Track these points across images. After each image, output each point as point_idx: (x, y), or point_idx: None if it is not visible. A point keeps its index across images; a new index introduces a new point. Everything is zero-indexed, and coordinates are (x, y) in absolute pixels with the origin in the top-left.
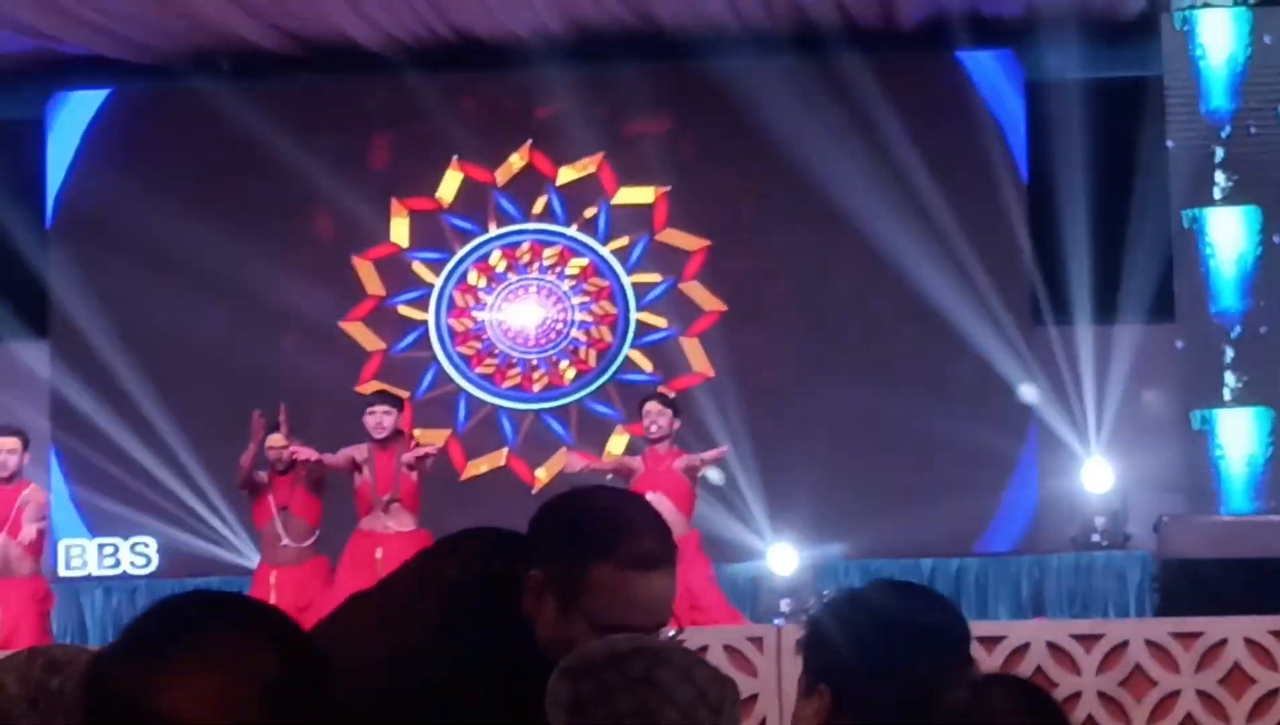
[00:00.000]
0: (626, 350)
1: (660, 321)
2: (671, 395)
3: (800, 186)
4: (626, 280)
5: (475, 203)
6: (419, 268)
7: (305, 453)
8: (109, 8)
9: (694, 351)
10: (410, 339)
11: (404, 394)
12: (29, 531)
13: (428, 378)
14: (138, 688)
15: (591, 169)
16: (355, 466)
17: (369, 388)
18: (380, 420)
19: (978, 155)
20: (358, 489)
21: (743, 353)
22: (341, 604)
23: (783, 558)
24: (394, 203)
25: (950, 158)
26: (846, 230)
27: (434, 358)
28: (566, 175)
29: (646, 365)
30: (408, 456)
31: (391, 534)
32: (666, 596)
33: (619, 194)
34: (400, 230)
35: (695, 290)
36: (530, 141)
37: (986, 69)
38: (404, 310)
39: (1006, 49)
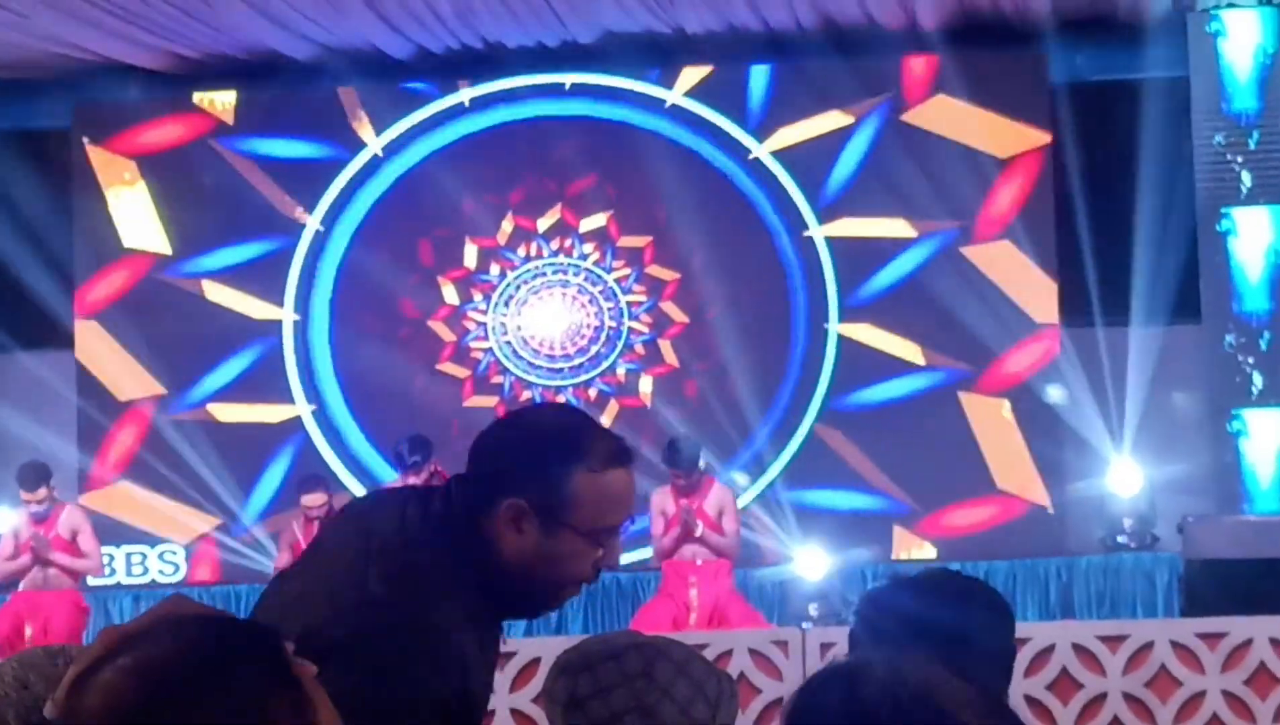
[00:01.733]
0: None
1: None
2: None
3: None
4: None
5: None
6: None
7: None
8: (136, 16)
9: None
10: None
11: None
12: (89, 564)
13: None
14: (73, 680)
15: None
16: None
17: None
18: (413, 478)
19: (1002, 156)
20: None
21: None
22: (273, 582)
23: (811, 562)
24: None
25: (975, 159)
26: (867, 232)
27: None
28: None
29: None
30: None
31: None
32: (634, 488)
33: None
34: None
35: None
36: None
37: (1008, 70)
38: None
39: (1031, 50)
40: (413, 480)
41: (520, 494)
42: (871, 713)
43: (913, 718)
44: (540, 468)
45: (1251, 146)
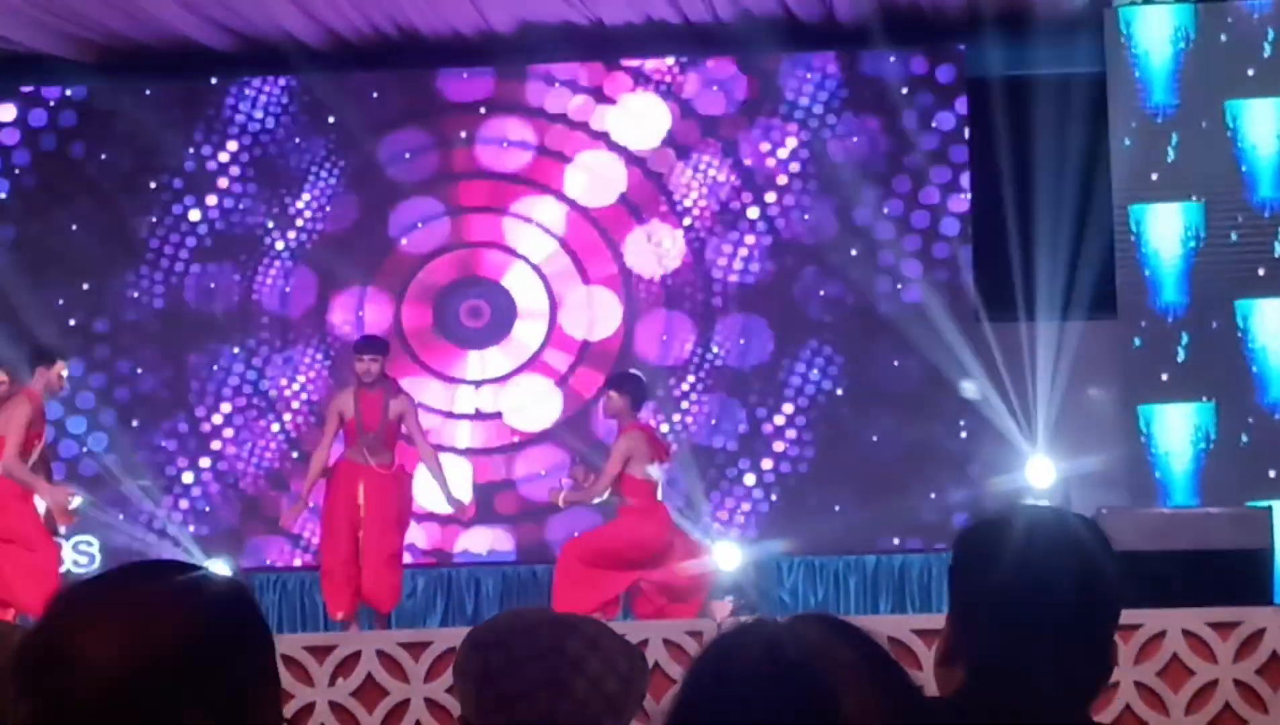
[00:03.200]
0: None
1: None
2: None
3: (745, 179)
4: None
5: None
6: None
7: (298, 510)
8: (51, 4)
9: None
10: None
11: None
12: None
13: None
14: (53, 632)
15: None
16: (342, 421)
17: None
18: (368, 367)
19: (919, 151)
20: (346, 426)
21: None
22: None
23: (727, 555)
24: None
25: (892, 154)
26: (785, 228)
27: None
28: None
29: None
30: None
31: (372, 468)
32: None
33: None
34: None
35: None
36: None
37: (927, 66)
38: None
39: (947, 46)
40: (360, 369)
41: None
42: (753, 673)
43: (790, 679)
44: None
45: (1170, 146)
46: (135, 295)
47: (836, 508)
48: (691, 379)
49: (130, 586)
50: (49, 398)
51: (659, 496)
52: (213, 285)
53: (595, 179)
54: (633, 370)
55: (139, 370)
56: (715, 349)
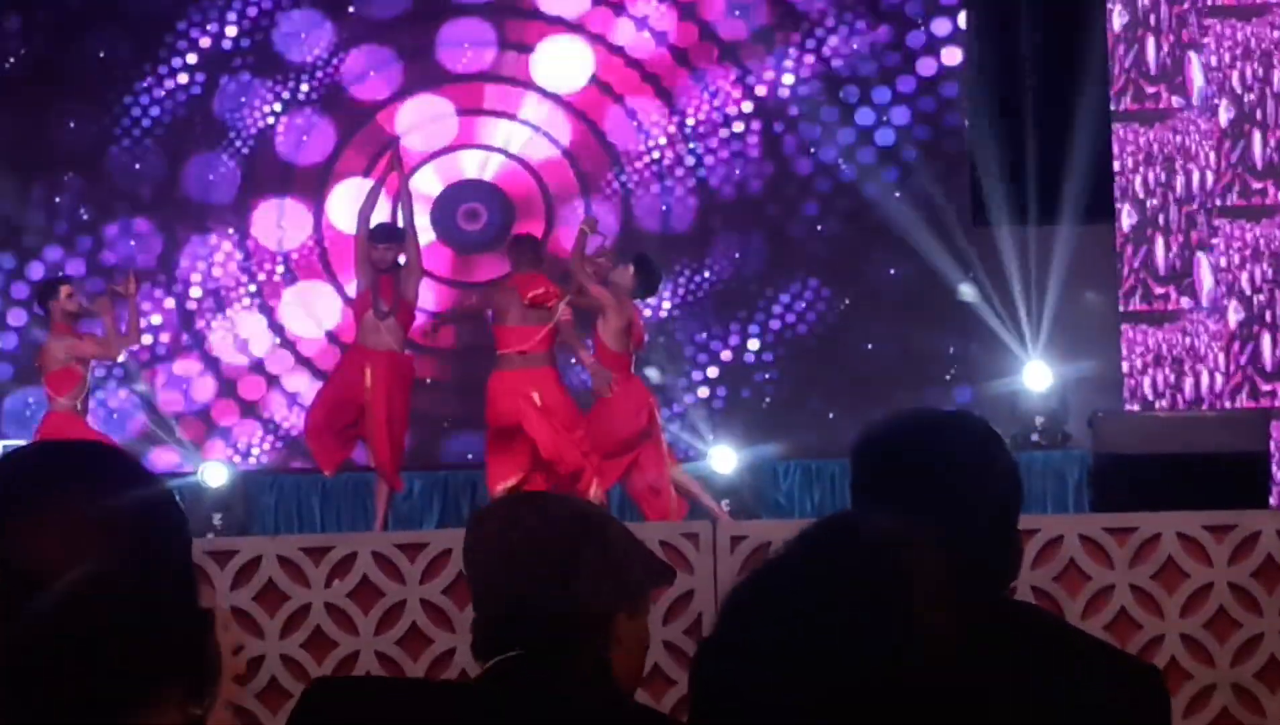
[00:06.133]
0: None
1: None
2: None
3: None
4: None
5: None
6: None
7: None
8: None
9: None
10: None
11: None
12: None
13: None
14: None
15: None
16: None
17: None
18: (383, 255)
19: (918, 53)
20: (359, 303)
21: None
22: None
23: (723, 458)
24: None
25: (890, 56)
26: (786, 132)
27: None
28: None
29: None
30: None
31: (381, 353)
32: None
33: None
34: None
35: None
36: None
37: None
38: None
39: None
40: (375, 257)
41: None
42: (828, 555)
43: (862, 563)
44: None
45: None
46: (137, 166)
47: (832, 411)
48: (687, 257)
49: (84, 498)
50: (74, 322)
51: (632, 370)
52: (211, 176)
53: (563, 66)
54: (657, 269)
55: (131, 242)
56: (707, 269)
